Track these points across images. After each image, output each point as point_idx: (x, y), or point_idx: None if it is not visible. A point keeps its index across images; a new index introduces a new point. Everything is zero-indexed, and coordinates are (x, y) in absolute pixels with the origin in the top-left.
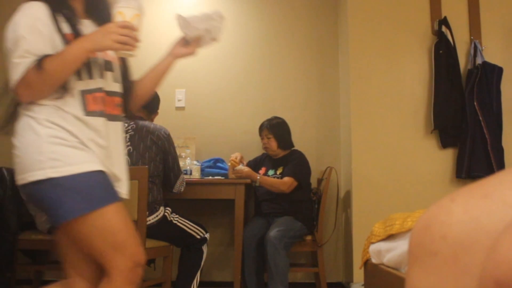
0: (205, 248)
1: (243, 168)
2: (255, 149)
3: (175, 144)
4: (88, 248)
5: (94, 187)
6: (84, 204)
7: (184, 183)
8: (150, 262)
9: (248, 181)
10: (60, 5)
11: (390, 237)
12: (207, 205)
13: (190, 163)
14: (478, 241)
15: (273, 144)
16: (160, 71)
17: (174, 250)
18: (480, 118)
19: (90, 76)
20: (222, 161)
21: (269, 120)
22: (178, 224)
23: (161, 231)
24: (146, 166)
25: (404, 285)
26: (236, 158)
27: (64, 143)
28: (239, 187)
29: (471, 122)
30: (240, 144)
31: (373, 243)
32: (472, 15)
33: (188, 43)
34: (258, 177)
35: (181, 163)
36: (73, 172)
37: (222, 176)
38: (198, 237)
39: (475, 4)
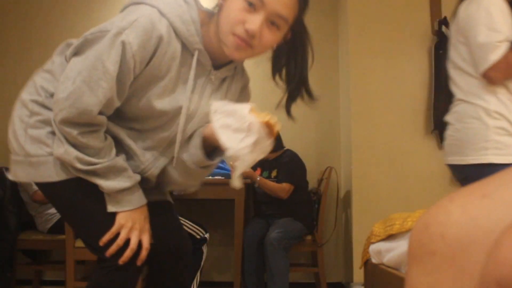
0: (205, 248)
1: None
2: None
3: None
4: None
5: None
6: None
7: None
8: None
9: (249, 181)
10: None
11: (390, 237)
12: (207, 205)
13: None
14: (476, 241)
15: None
16: None
17: None
18: None
19: None
20: (222, 161)
21: None
22: None
23: None
24: None
25: (404, 285)
26: None
27: (508, 134)
28: None
29: None
30: None
31: (373, 243)
32: None
33: None
34: (258, 179)
35: None
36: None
37: (222, 176)
38: (198, 237)
39: None
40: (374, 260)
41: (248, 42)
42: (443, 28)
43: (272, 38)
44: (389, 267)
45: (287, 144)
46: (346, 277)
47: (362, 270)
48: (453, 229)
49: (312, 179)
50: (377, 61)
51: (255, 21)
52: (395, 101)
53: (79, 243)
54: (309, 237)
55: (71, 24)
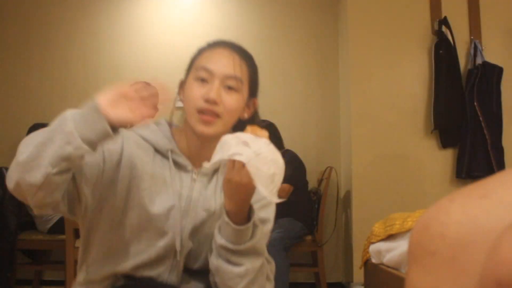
0: None
1: None
2: None
3: None
4: None
5: None
6: None
7: None
8: None
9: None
10: None
11: (390, 237)
12: None
13: None
14: (476, 241)
15: None
16: None
17: None
18: (480, 118)
19: None
20: None
21: None
22: None
23: None
24: None
25: (404, 285)
26: None
27: None
28: None
29: (471, 122)
30: None
31: (373, 243)
32: (472, 15)
33: None
34: None
35: None
36: None
37: None
38: None
39: (475, 4)
40: (374, 260)
41: (214, 111)
42: (443, 28)
43: (234, 100)
44: (389, 267)
45: (287, 144)
46: (346, 277)
47: (362, 270)
48: (453, 229)
49: (312, 179)
50: (377, 61)
51: (211, 89)
52: (395, 101)
53: (79, 243)
54: (309, 237)
55: (71, 24)
